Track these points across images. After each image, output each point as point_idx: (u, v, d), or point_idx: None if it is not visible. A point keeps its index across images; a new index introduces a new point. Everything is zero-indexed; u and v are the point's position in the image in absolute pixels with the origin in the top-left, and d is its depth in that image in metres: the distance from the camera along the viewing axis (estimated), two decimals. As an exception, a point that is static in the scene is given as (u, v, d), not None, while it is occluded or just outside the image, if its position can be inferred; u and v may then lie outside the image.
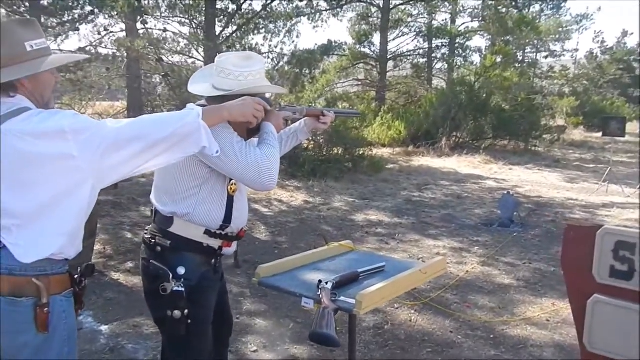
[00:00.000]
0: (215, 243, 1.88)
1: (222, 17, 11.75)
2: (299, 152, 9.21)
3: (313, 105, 11.30)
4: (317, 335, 1.78)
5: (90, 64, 11.26)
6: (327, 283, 1.93)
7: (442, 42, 20.53)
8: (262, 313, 3.75)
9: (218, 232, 1.86)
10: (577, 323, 1.35)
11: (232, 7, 11.54)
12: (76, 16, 10.55)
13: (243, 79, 1.84)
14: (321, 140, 9.82)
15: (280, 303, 3.86)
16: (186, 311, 1.74)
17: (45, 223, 1.42)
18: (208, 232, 1.84)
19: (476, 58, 20.76)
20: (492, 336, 3.46)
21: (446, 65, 21.16)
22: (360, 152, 10.24)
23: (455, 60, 20.56)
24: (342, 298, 1.91)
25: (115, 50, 11.23)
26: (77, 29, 10.64)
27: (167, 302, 1.75)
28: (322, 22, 16.96)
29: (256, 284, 2.17)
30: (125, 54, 11.08)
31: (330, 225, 6.40)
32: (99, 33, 11.31)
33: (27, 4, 10.19)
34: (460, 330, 3.53)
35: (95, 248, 4.61)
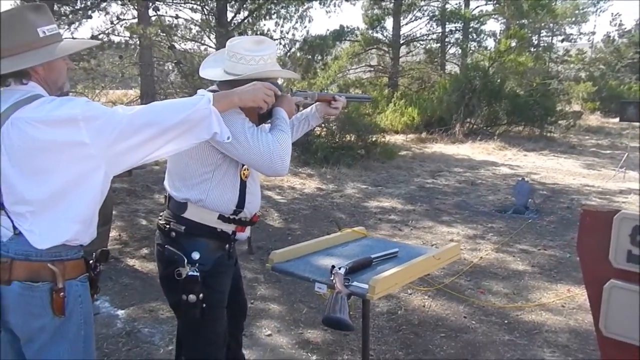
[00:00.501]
0: (228, 228, 1.88)
1: (233, 2, 11.67)
2: (312, 139, 9.19)
3: (325, 91, 11.24)
4: (331, 319, 1.79)
5: (103, 52, 11.28)
6: (340, 268, 1.93)
7: (455, 27, 20.21)
8: (275, 298, 3.78)
9: (231, 217, 1.87)
10: (593, 308, 1.34)
11: (243, -8, 11.46)
12: (88, 3, 10.55)
13: (254, 63, 1.83)
14: (334, 127, 9.78)
15: (293, 288, 3.88)
16: (201, 295, 1.76)
17: (59, 210, 1.43)
18: (222, 217, 1.85)
19: (490, 42, 20.40)
20: (506, 321, 3.45)
21: (460, 50, 20.85)
22: (373, 139, 10.20)
23: (469, 45, 20.23)
24: (355, 283, 1.91)
25: (127, 38, 11.22)
26: (90, 17, 10.62)
27: (182, 286, 1.76)
28: (335, 6, 16.74)
29: (270, 269, 2.18)
30: (138, 42, 11.06)
31: (343, 212, 6.40)
32: (112, 22, 11.29)
33: (39, -9, 10.20)
34: (474, 316, 3.52)
35: (110, 235, 4.67)
